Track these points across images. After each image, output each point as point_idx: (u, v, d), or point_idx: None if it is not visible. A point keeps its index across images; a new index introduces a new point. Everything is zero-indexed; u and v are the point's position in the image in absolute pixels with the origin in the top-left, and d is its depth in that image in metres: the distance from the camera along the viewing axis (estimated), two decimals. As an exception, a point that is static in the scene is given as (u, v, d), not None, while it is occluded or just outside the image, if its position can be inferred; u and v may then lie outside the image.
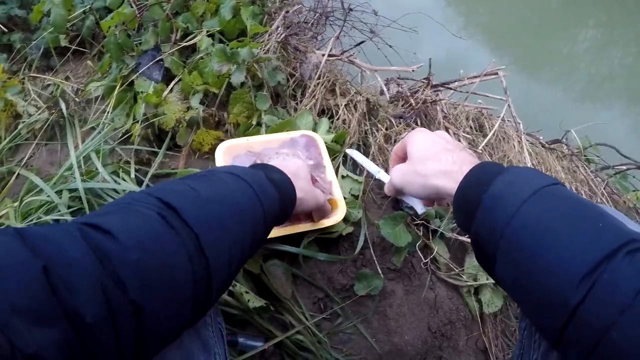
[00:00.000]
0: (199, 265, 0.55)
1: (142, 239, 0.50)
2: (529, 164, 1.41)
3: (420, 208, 0.97)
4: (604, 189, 1.75)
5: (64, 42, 1.56)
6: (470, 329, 1.27)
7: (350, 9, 1.88)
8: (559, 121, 1.93)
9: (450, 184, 0.71)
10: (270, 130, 1.18)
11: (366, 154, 1.27)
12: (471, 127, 1.56)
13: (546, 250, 0.54)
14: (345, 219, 1.12)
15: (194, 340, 0.67)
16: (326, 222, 1.07)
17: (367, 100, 1.28)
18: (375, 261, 1.16)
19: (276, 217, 0.77)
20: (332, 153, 1.19)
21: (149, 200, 0.56)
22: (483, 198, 0.62)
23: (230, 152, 1.09)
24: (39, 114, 1.37)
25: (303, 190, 0.87)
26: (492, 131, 1.40)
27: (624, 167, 1.99)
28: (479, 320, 1.26)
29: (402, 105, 1.45)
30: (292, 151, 1.13)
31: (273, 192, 0.75)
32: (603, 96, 3.41)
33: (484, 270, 0.67)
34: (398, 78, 1.57)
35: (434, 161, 0.75)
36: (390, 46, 2.12)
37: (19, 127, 1.37)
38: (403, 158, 0.86)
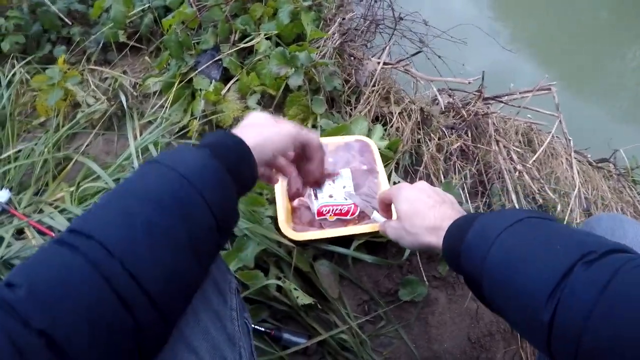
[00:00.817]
0: (109, 268, 0.47)
1: (32, 275, 0.45)
2: (577, 182, 1.40)
3: None
4: (649, 211, 1.72)
5: (122, 38, 1.61)
6: (509, 342, 1.27)
7: (401, 18, 1.90)
8: (603, 140, 1.91)
9: (436, 239, 0.79)
10: (326, 133, 1.21)
11: (418, 162, 1.29)
12: (520, 142, 1.56)
13: (516, 279, 0.60)
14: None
15: (220, 332, 0.69)
16: (376, 226, 1.08)
17: (422, 109, 1.30)
18: (421, 268, 1.18)
19: (224, 186, 0.59)
20: (385, 160, 1.21)
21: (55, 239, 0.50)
22: (462, 249, 0.70)
23: None
24: (98, 105, 1.42)
25: (261, 134, 0.68)
26: (543, 147, 1.40)
27: (671, 191, 1.96)
28: (518, 334, 1.26)
29: (453, 117, 1.46)
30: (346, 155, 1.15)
31: (202, 158, 0.58)
32: (650, 117, 3.34)
33: (484, 305, 0.74)
34: (449, 89, 1.58)
35: (419, 219, 0.83)
36: (439, 56, 2.13)
37: (78, 116, 1.42)
38: (388, 205, 0.97)
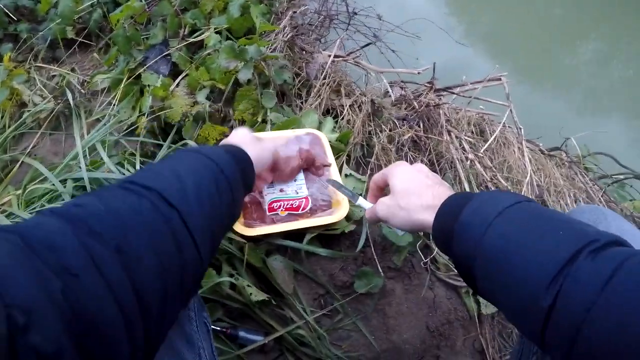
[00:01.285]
0: (170, 213, 0.58)
1: (105, 199, 0.54)
2: (529, 169, 1.42)
3: (401, 232, 1.02)
4: (602, 196, 1.76)
5: (70, 34, 1.57)
6: (468, 329, 1.28)
7: (355, 13, 1.90)
8: (557, 131, 1.94)
9: (431, 218, 0.76)
10: (276, 127, 1.19)
11: (370, 154, 1.29)
12: (472, 132, 1.58)
13: (514, 264, 0.58)
14: (348, 217, 1.13)
15: (177, 334, 0.69)
16: (329, 219, 1.08)
17: (372, 101, 1.30)
18: (376, 259, 1.17)
19: (238, 181, 0.78)
20: (336, 152, 1.21)
21: (109, 186, 0.62)
22: (455, 227, 0.68)
23: None
24: (45, 104, 1.38)
25: (254, 151, 0.89)
26: (494, 136, 1.41)
27: (622, 177, 2.01)
28: (477, 320, 1.27)
29: (405, 108, 1.46)
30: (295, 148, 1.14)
31: (223, 153, 0.77)
32: (602, 108, 3.43)
33: (469, 287, 0.72)
34: (401, 82, 1.58)
35: (416, 196, 0.80)
36: (393, 51, 2.14)
37: (24, 115, 1.37)
38: (381, 188, 0.94)
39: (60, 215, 0.49)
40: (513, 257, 0.59)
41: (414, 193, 0.81)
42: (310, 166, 1.13)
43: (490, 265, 0.62)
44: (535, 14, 3.97)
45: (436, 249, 1.22)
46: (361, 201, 0.98)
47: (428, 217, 0.76)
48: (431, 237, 0.78)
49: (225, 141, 0.92)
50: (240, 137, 0.92)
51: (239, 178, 0.78)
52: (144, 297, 0.50)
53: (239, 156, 0.83)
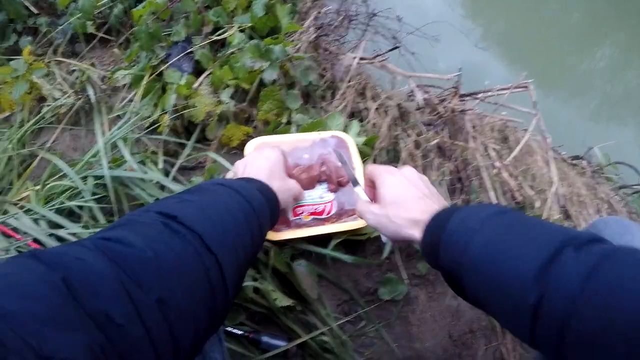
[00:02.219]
0: (209, 260, 0.58)
1: (151, 241, 0.53)
2: (555, 180, 1.40)
3: (390, 244, 1.08)
4: (623, 207, 1.74)
5: (90, 29, 1.55)
6: (490, 339, 1.26)
7: (374, 14, 1.88)
8: (573, 138, 1.92)
9: (418, 233, 0.77)
10: (301, 129, 1.17)
11: (396, 159, 1.27)
12: (495, 139, 1.56)
13: (499, 266, 0.60)
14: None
15: None
16: (355, 225, 1.06)
17: (399, 105, 1.27)
18: (401, 267, 1.15)
19: (267, 219, 0.81)
20: (362, 156, 1.18)
21: (148, 215, 0.60)
22: (441, 238, 0.69)
23: (260, 149, 1.07)
24: (65, 98, 1.36)
25: (279, 190, 0.90)
26: (521, 144, 1.39)
27: (642, 187, 1.99)
28: (499, 330, 1.25)
29: (429, 113, 1.44)
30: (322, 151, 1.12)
31: (258, 195, 0.79)
32: (617, 115, 3.39)
33: (460, 297, 0.73)
34: (425, 86, 1.56)
35: (404, 210, 0.81)
36: (413, 53, 2.12)
37: (43, 110, 1.35)
38: (371, 185, 0.93)
39: (106, 253, 0.48)
40: (498, 260, 0.60)
41: (402, 206, 0.81)
42: (329, 180, 1.11)
43: (477, 271, 0.63)
44: (552, 18, 3.94)
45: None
46: (359, 190, 0.96)
47: (416, 233, 0.77)
48: (420, 252, 0.79)
49: (251, 167, 0.92)
50: (267, 166, 0.93)
51: (268, 221, 0.82)
52: (179, 343, 0.51)
53: (271, 198, 0.85)
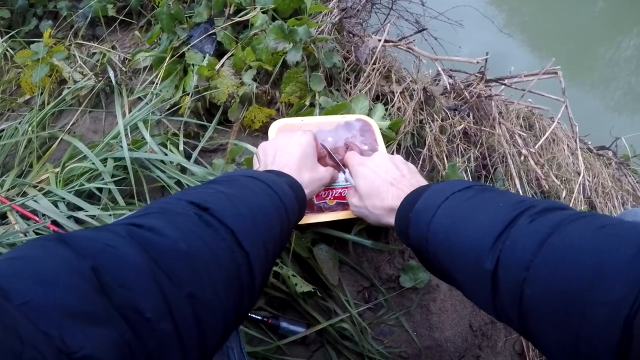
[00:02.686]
0: (241, 257, 0.57)
1: (186, 233, 0.51)
2: (582, 169, 1.37)
3: None
4: (648, 200, 1.70)
5: (111, 12, 1.55)
6: (510, 330, 1.24)
7: (398, -3, 1.85)
8: (596, 127, 1.89)
9: (393, 220, 0.82)
10: (325, 112, 1.15)
11: (420, 144, 1.24)
12: (521, 126, 1.52)
13: (459, 237, 0.62)
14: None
15: None
16: None
17: (424, 89, 1.25)
18: (423, 254, 1.13)
19: (295, 216, 0.80)
20: (387, 140, 1.16)
21: (180, 204, 0.58)
22: (410, 216, 0.73)
23: (284, 131, 1.06)
24: (85, 81, 1.35)
25: (310, 181, 0.90)
26: (548, 132, 1.36)
27: (667, 180, 1.94)
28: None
29: (454, 98, 1.41)
30: (349, 134, 1.10)
31: (289, 191, 0.78)
32: (641, 107, 3.34)
33: (430, 272, 0.77)
34: (450, 70, 1.53)
35: (379, 199, 0.85)
36: (436, 38, 2.09)
37: (64, 92, 1.35)
38: None
39: (138, 241, 0.46)
40: (458, 231, 0.63)
41: (377, 196, 0.86)
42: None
43: (439, 243, 0.66)
44: (577, 6, 3.87)
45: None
46: (348, 175, 0.99)
47: (392, 219, 0.82)
48: (396, 233, 0.84)
49: (282, 155, 0.91)
50: (298, 154, 0.91)
51: (296, 218, 0.82)
52: (207, 339, 0.50)
53: (300, 195, 0.83)
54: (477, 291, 0.61)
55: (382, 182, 0.86)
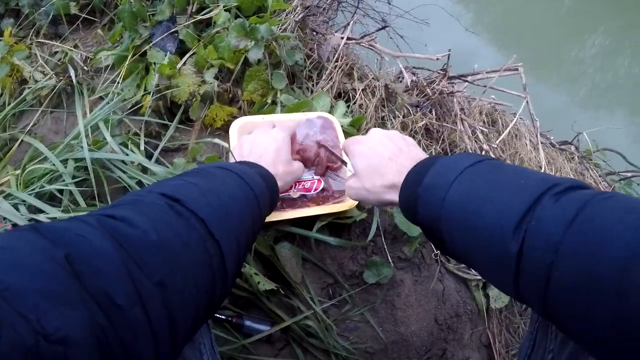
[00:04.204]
0: (212, 247, 0.57)
1: (156, 223, 0.52)
2: (544, 164, 1.39)
3: None
4: (611, 193, 1.73)
5: (74, 10, 1.52)
6: (476, 323, 1.25)
7: (364, -4, 1.86)
8: (561, 124, 1.92)
9: (397, 196, 0.77)
10: (287, 109, 1.15)
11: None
12: (484, 122, 1.54)
13: (479, 217, 0.59)
14: (359, 206, 1.09)
15: None
16: (341, 207, 1.04)
17: (386, 86, 1.26)
18: (386, 249, 1.14)
19: (267, 204, 0.80)
20: (348, 137, 1.16)
21: (151, 195, 0.58)
22: (419, 192, 0.68)
23: (245, 129, 1.06)
24: (46, 80, 1.33)
25: (283, 174, 0.91)
26: (509, 127, 1.38)
27: (629, 174, 1.99)
28: (485, 314, 1.25)
29: (417, 95, 1.42)
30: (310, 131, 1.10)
31: (260, 181, 0.78)
32: (606, 104, 3.40)
33: (441, 252, 0.77)
34: (413, 67, 1.54)
35: (378, 176, 0.80)
36: (402, 36, 2.10)
37: (24, 92, 1.32)
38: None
39: (109, 232, 0.46)
40: (477, 210, 0.59)
41: (376, 173, 0.81)
42: (318, 163, 1.09)
43: (456, 223, 0.63)
44: (543, 4, 3.93)
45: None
46: (349, 167, 0.99)
47: (395, 196, 0.77)
48: (400, 210, 0.78)
49: (257, 147, 0.93)
50: (273, 148, 0.93)
51: (267, 209, 0.81)
52: (177, 327, 0.50)
53: (272, 185, 0.84)
54: (497, 272, 0.59)
55: (381, 158, 0.81)
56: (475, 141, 1.36)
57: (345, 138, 1.12)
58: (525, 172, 0.62)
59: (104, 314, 0.40)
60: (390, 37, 1.94)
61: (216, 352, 0.77)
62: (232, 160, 0.97)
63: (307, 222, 1.07)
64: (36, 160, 1.15)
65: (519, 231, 0.53)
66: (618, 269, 0.44)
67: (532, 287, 0.53)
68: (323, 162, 1.07)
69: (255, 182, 0.75)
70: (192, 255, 0.54)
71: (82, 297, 0.39)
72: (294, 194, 1.02)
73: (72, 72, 1.31)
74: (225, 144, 1.13)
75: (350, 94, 1.27)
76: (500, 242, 0.54)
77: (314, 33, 1.40)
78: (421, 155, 0.81)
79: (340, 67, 1.28)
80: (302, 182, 1.03)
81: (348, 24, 1.42)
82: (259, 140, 0.94)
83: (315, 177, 1.05)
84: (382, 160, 0.81)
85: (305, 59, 1.29)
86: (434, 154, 1.30)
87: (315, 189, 1.05)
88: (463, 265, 1.22)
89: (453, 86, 1.47)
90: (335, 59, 1.30)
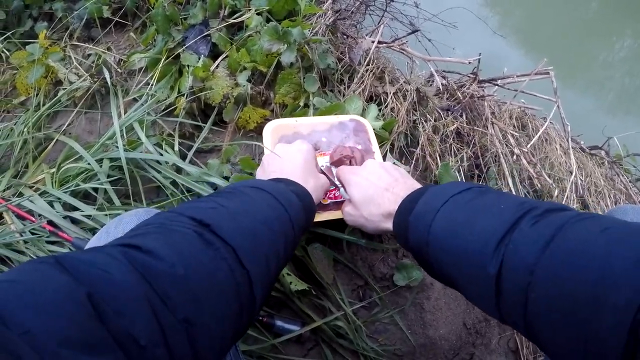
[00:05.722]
0: (241, 276, 0.56)
1: (184, 255, 0.51)
2: (574, 169, 1.38)
3: None
4: (641, 199, 1.71)
5: (106, 14, 1.55)
6: (504, 328, 1.25)
7: (392, 0, 1.86)
8: (590, 128, 1.90)
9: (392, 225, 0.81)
10: (319, 112, 1.16)
11: (414, 144, 1.26)
12: (514, 126, 1.54)
13: (460, 241, 0.61)
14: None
15: None
16: None
17: (417, 90, 1.26)
18: (417, 253, 1.14)
19: (301, 223, 0.78)
20: (380, 140, 1.17)
21: (181, 220, 0.58)
22: (409, 219, 0.72)
23: (278, 132, 1.07)
24: (81, 82, 1.36)
25: (315, 188, 0.90)
26: (540, 131, 1.37)
27: (660, 180, 1.96)
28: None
29: (447, 99, 1.42)
30: (342, 135, 1.11)
31: (296, 200, 0.77)
32: (636, 108, 3.35)
33: (431, 276, 0.76)
34: (443, 71, 1.54)
35: (375, 205, 0.84)
36: (430, 40, 2.10)
37: (59, 94, 1.35)
38: None
39: (134, 266, 0.45)
40: (459, 235, 0.62)
41: (372, 202, 0.85)
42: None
43: (440, 248, 0.66)
44: (571, 7, 3.89)
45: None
46: (342, 192, 1.00)
47: (390, 225, 0.81)
48: (394, 236, 0.85)
49: (286, 163, 0.92)
50: (301, 162, 0.92)
51: (302, 227, 0.79)
52: None
53: (308, 203, 0.83)
54: (480, 295, 0.61)
55: (377, 188, 0.85)
56: (506, 145, 1.35)
57: (378, 142, 1.12)
58: (506, 197, 0.65)
59: (127, 357, 0.39)
60: (419, 41, 1.94)
61: (240, 356, 0.78)
62: (259, 173, 0.97)
63: (339, 225, 1.07)
64: (71, 160, 1.17)
65: (498, 254, 0.55)
66: (593, 289, 0.45)
67: (512, 309, 0.54)
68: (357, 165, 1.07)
69: (290, 202, 0.75)
70: (220, 288, 0.53)
71: (105, 341, 0.38)
72: (324, 201, 1.03)
73: (106, 74, 1.34)
74: (260, 144, 1.14)
75: (382, 98, 1.28)
76: (480, 264, 0.57)
77: (345, 37, 1.40)
78: (416, 185, 0.85)
79: (371, 71, 1.29)
80: (334, 190, 1.04)
81: (378, 28, 1.42)
82: (285, 154, 0.94)
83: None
84: (378, 191, 0.85)
85: (336, 63, 1.30)
86: (465, 157, 1.30)
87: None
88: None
89: (483, 90, 1.47)
90: (366, 62, 1.30)
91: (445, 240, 0.64)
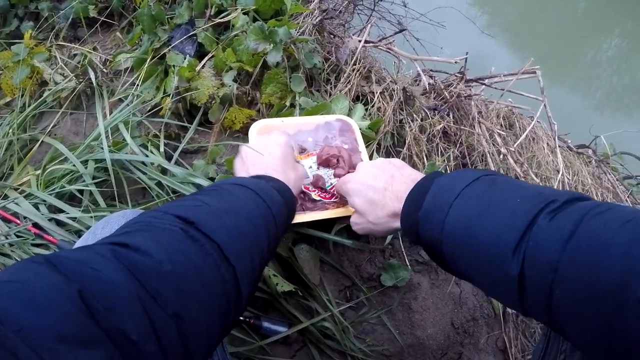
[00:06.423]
0: (227, 272, 0.57)
1: (171, 252, 0.51)
2: (561, 167, 1.38)
3: None
4: (628, 197, 1.72)
5: (92, 13, 1.54)
6: (492, 327, 1.25)
7: (380, -1, 1.86)
8: (578, 126, 1.91)
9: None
10: (305, 112, 1.16)
11: (400, 143, 1.25)
12: (501, 125, 1.54)
13: (478, 240, 0.60)
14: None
15: None
16: None
17: (404, 89, 1.26)
18: (404, 252, 1.14)
19: (284, 219, 0.79)
20: (367, 140, 1.17)
21: (167, 218, 0.58)
22: (419, 216, 0.70)
23: (264, 132, 1.06)
24: (66, 82, 1.34)
25: (295, 180, 0.91)
26: (527, 130, 1.37)
27: (647, 178, 1.97)
28: (501, 319, 1.24)
29: (434, 98, 1.42)
30: (328, 135, 1.10)
31: (277, 197, 0.78)
32: (623, 106, 3.37)
33: (446, 271, 0.75)
34: (430, 70, 1.54)
35: (379, 208, 0.83)
36: (418, 39, 2.10)
37: (45, 94, 1.34)
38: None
39: (123, 263, 0.46)
40: (476, 233, 0.61)
41: (376, 206, 0.83)
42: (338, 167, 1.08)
43: (457, 245, 0.64)
44: (559, 6, 3.90)
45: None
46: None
47: (399, 223, 0.79)
48: (402, 233, 0.84)
49: (265, 157, 0.92)
50: (280, 154, 0.92)
51: (284, 224, 0.80)
52: (192, 357, 0.50)
53: (289, 199, 0.83)
54: (502, 291, 0.60)
55: (376, 189, 0.84)
56: (493, 144, 1.35)
57: (364, 142, 1.12)
58: (521, 188, 0.63)
59: (120, 352, 0.40)
60: (407, 40, 1.93)
61: (226, 353, 0.78)
62: (238, 167, 0.96)
63: (326, 225, 1.07)
64: (56, 161, 1.16)
65: (518, 253, 0.54)
66: (618, 282, 0.45)
67: (536, 305, 0.54)
68: (346, 166, 1.07)
69: (272, 199, 0.75)
70: (207, 283, 0.54)
71: (98, 337, 0.39)
72: (315, 196, 1.02)
73: (91, 74, 1.33)
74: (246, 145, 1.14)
75: (369, 97, 1.28)
76: (501, 264, 0.56)
77: (332, 36, 1.40)
78: (415, 175, 0.83)
79: (358, 70, 1.29)
80: (330, 181, 1.03)
81: (365, 27, 1.42)
82: (263, 148, 0.94)
83: (334, 182, 1.05)
84: (377, 192, 0.83)
85: (323, 62, 1.30)
86: (451, 157, 1.30)
87: (333, 196, 1.04)
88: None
89: (470, 89, 1.47)
90: (353, 62, 1.30)
91: (460, 238, 0.63)
